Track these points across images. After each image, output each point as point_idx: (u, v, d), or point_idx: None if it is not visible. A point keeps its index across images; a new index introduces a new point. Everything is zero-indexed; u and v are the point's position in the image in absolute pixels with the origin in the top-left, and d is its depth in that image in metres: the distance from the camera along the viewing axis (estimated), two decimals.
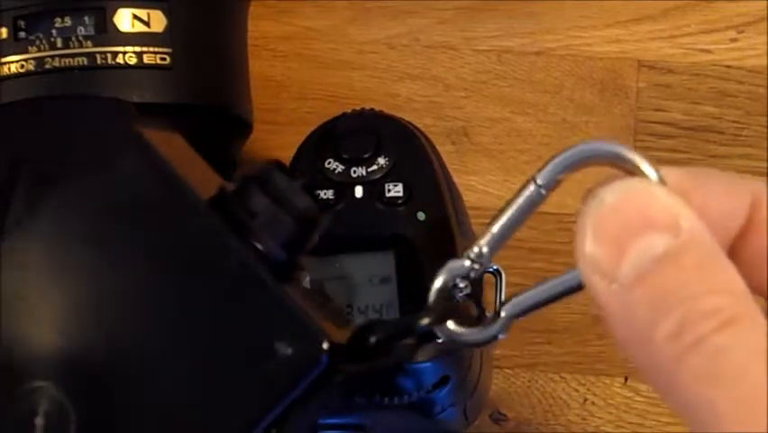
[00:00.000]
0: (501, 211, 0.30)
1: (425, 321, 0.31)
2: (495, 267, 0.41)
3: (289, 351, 0.30)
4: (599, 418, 0.51)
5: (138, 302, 0.31)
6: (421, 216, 0.41)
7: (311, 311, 0.31)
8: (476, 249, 0.30)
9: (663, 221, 0.26)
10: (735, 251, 0.28)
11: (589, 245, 0.26)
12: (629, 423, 0.51)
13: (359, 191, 0.41)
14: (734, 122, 0.53)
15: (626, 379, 0.51)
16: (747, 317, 0.25)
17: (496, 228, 0.30)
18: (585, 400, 0.51)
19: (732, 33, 0.54)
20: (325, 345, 0.30)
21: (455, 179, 0.44)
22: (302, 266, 0.33)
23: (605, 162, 0.28)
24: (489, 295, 0.41)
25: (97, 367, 0.31)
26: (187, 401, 0.31)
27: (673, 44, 0.54)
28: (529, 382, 0.51)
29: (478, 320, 0.39)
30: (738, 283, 0.26)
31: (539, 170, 0.29)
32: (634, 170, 0.28)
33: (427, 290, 0.31)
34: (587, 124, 0.54)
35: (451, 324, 0.31)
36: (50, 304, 0.31)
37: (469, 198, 0.45)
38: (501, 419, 0.51)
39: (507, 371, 0.51)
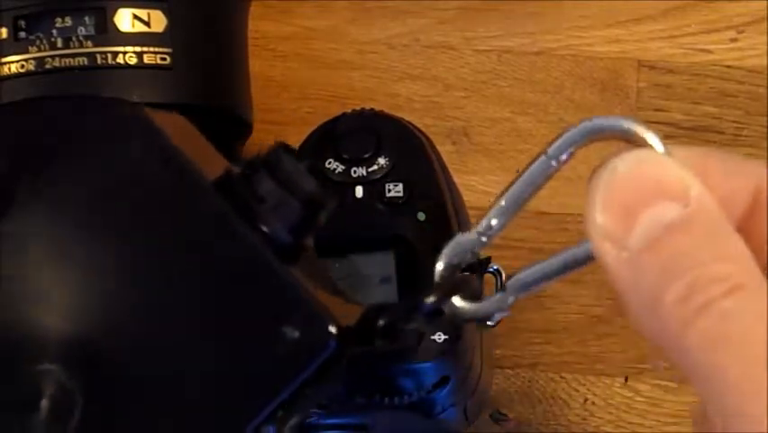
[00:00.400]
0: (511, 183, 0.30)
1: (432, 299, 0.30)
2: (495, 267, 0.41)
3: (297, 334, 0.30)
4: (600, 418, 0.51)
5: (144, 286, 0.31)
6: (421, 216, 0.41)
7: (318, 294, 0.31)
8: (484, 222, 0.30)
9: (674, 190, 0.26)
10: (739, 232, 0.28)
11: (600, 213, 0.27)
12: (629, 423, 0.51)
13: (359, 191, 0.41)
14: (734, 122, 0.53)
15: (626, 379, 0.51)
16: (754, 284, 0.25)
17: (504, 200, 0.30)
18: (585, 400, 0.51)
19: (732, 33, 0.54)
20: (333, 329, 0.30)
21: (455, 179, 0.44)
22: (308, 248, 0.33)
23: (615, 137, 0.28)
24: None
25: (103, 351, 0.31)
26: (194, 385, 0.31)
27: (673, 44, 0.54)
28: (529, 382, 0.51)
29: (481, 324, 0.39)
30: (745, 253, 0.26)
31: (550, 143, 0.29)
32: (643, 145, 0.28)
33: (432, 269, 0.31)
34: None
35: (456, 299, 0.31)
36: (56, 287, 0.31)
37: (469, 197, 0.45)
38: (501, 419, 0.51)
39: (508, 371, 0.51)
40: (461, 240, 0.31)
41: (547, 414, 0.51)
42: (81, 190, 0.32)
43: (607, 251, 0.27)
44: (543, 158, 0.29)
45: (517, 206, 0.30)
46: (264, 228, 0.31)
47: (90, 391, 0.31)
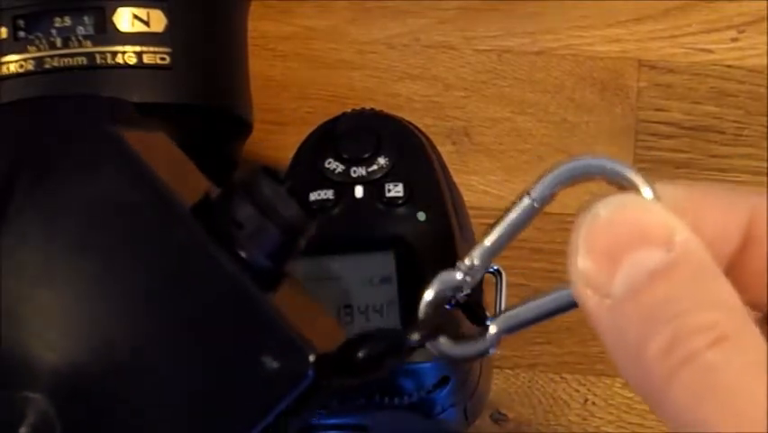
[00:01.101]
0: (495, 224, 0.30)
1: (416, 337, 0.30)
2: (495, 267, 0.41)
3: (275, 365, 0.30)
4: (600, 418, 0.51)
5: (125, 314, 0.31)
6: (421, 215, 0.40)
7: (298, 322, 0.31)
8: (467, 261, 0.30)
9: (658, 236, 0.26)
10: (733, 266, 0.28)
11: (582, 259, 0.26)
12: (630, 423, 0.51)
13: (359, 191, 0.41)
14: (734, 121, 0.53)
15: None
16: (741, 333, 0.25)
17: (489, 241, 0.30)
18: (586, 400, 0.51)
19: (733, 33, 0.54)
20: (311, 359, 0.30)
21: (455, 179, 0.44)
22: (288, 272, 0.33)
23: (599, 178, 0.28)
24: (489, 295, 0.41)
25: (85, 381, 0.31)
26: (174, 415, 0.31)
27: (674, 44, 0.54)
28: (530, 382, 0.51)
29: (479, 319, 0.39)
30: (733, 298, 0.25)
31: (533, 183, 0.29)
32: (629, 186, 0.27)
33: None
34: (587, 124, 0.54)
35: (442, 339, 0.31)
36: (39, 313, 0.31)
37: (469, 197, 0.45)
38: (501, 420, 0.51)
39: (508, 371, 0.51)
40: (445, 278, 0.31)
41: (547, 414, 0.51)
42: (63, 219, 0.31)
43: (588, 297, 0.26)
44: (526, 200, 0.29)
45: (501, 247, 0.30)
46: (243, 254, 0.31)
47: (71, 420, 0.31)
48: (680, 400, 0.24)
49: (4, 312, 0.31)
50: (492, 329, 0.30)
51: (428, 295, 0.31)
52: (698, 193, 0.28)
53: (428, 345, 0.31)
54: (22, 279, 0.31)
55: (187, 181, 0.33)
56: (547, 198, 0.29)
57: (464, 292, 0.31)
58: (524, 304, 0.30)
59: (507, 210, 0.30)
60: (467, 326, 0.40)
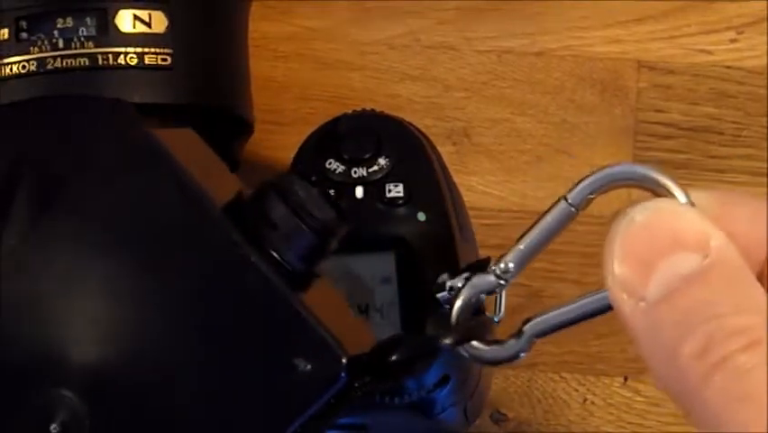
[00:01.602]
0: (530, 228, 0.30)
1: (449, 341, 0.30)
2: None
3: (308, 367, 0.30)
4: (599, 418, 0.51)
5: (157, 314, 0.31)
6: (421, 216, 0.41)
7: (330, 324, 0.31)
8: (502, 264, 0.30)
9: (693, 241, 0.26)
10: (763, 273, 0.28)
11: (618, 264, 0.27)
12: (629, 423, 0.51)
13: (359, 192, 0.41)
14: (734, 122, 0.54)
15: (625, 379, 0.51)
16: None
17: (523, 244, 0.30)
18: (585, 400, 0.51)
19: (732, 34, 0.54)
20: (344, 361, 0.30)
21: (456, 180, 0.44)
22: (319, 273, 0.32)
23: (635, 184, 0.28)
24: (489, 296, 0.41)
25: (116, 380, 0.31)
26: (206, 416, 0.31)
27: (673, 45, 0.54)
28: (529, 381, 0.51)
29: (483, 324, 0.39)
30: (765, 303, 0.25)
31: (570, 189, 0.29)
32: (663, 193, 0.28)
33: (445, 298, 0.31)
34: (587, 125, 0.54)
35: (474, 342, 0.31)
36: (71, 312, 0.31)
37: (469, 198, 0.45)
38: (501, 419, 0.51)
39: (508, 371, 0.51)
40: (478, 282, 0.31)
41: (547, 414, 0.51)
42: (96, 218, 0.31)
43: (624, 301, 0.26)
44: (563, 204, 0.29)
45: (536, 251, 0.30)
46: (276, 255, 0.31)
47: (102, 420, 0.31)
48: (713, 402, 0.25)
49: (37, 310, 0.31)
50: (525, 333, 0.30)
51: (460, 299, 0.31)
52: (730, 200, 0.28)
53: (461, 348, 0.31)
54: (54, 277, 0.31)
55: (218, 180, 0.33)
56: (583, 203, 0.30)
57: (500, 290, 0.31)
58: (557, 308, 0.30)
59: (543, 214, 0.30)
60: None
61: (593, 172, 0.29)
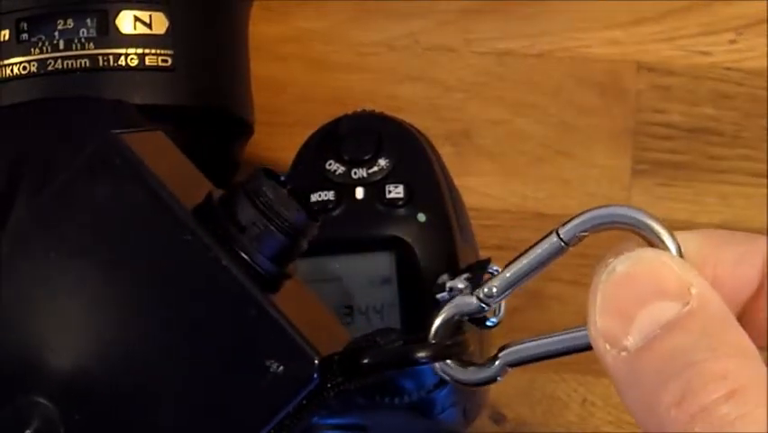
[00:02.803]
0: (519, 256, 0.30)
1: (423, 355, 0.30)
2: (495, 267, 0.41)
3: (280, 369, 0.30)
4: (599, 418, 0.51)
5: (128, 319, 0.31)
6: (421, 217, 0.41)
7: (301, 325, 0.31)
8: (486, 289, 0.30)
9: (674, 289, 0.26)
10: (747, 311, 0.28)
11: (600, 315, 0.27)
12: (629, 423, 0.51)
13: (359, 192, 0.41)
14: (733, 123, 0.54)
15: None
16: (756, 385, 0.25)
17: (510, 273, 0.30)
18: (584, 400, 0.51)
19: (731, 35, 0.54)
20: (316, 362, 0.30)
21: (455, 181, 0.44)
22: (290, 273, 0.32)
23: (626, 228, 0.29)
24: None
25: (89, 385, 0.31)
26: (179, 420, 0.31)
27: (673, 46, 0.54)
28: (529, 382, 0.51)
29: (479, 321, 0.39)
30: (748, 347, 0.25)
31: (563, 224, 0.29)
32: (654, 240, 0.28)
33: (429, 308, 0.31)
34: (587, 126, 0.54)
35: (449, 362, 0.31)
36: (43, 317, 0.31)
37: (469, 199, 0.45)
38: (501, 420, 0.51)
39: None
40: (461, 303, 0.31)
41: (546, 414, 0.51)
42: (65, 223, 0.31)
43: (606, 351, 0.26)
44: (554, 238, 0.30)
45: (521, 280, 0.30)
46: (245, 257, 0.31)
47: (74, 425, 0.31)
48: None
49: (7, 317, 0.31)
50: (499, 360, 0.30)
51: (441, 316, 0.31)
52: (718, 241, 0.28)
53: (436, 365, 0.31)
54: (24, 283, 0.31)
55: (188, 182, 0.33)
56: (575, 240, 0.30)
57: (480, 315, 0.31)
58: (536, 339, 0.30)
59: (534, 245, 0.30)
60: (471, 328, 0.41)
61: (587, 211, 0.29)
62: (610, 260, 0.27)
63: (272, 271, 0.31)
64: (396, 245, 0.40)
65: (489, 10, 0.55)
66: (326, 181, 0.41)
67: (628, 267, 0.27)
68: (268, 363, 0.30)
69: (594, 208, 0.29)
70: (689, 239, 0.28)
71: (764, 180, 0.53)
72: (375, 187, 0.41)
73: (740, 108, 0.54)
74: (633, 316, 0.26)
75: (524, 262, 0.30)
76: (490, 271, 0.41)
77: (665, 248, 0.28)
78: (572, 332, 0.29)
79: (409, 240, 0.40)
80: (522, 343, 0.30)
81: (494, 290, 0.31)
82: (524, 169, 0.53)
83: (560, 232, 0.29)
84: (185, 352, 0.31)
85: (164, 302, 0.31)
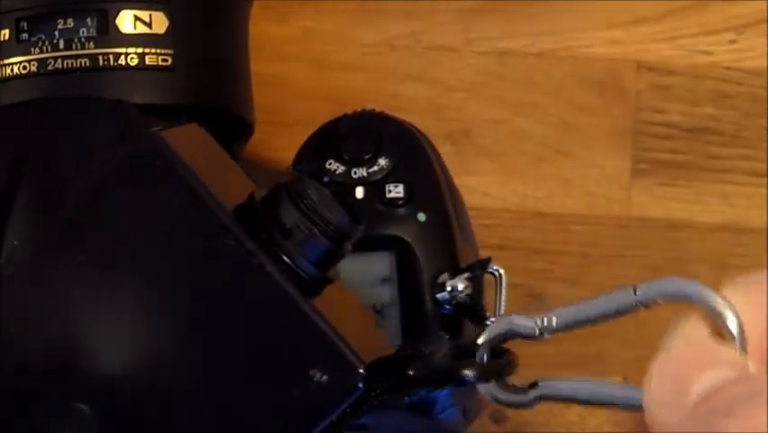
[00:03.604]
0: (592, 299, 0.30)
1: (471, 374, 0.30)
2: (495, 268, 0.41)
3: (325, 378, 0.29)
4: (599, 418, 0.51)
5: (170, 326, 0.30)
6: (421, 216, 0.41)
7: (346, 332, 0.30)
8: (547, 318, 0.30)
9: (729, 362, 0.27)
10: None
11: (655, 384, 0.28)
12: (629, 423, 0.51)
13: (359, 192, 0.41)
14: (733, 123, 0.54)
15: (625, 378, 0.51)
16: None
17: (575, 310, 0.30)
18: None
19: (731, 35, 0.54)
20: (362, 372, 0.30)
21: (455, 180, 0.44)
22: (333, 278, 0.32)
23: (693, 302, 0.29)
24: (489, 296, 0.42)
25: (129, 392, 0.30)
26: (219, 428, 0.30)
27: (673, 46, 0.54)
28: (529, 381, 0.51)
29: (479, 319, 0.39)
30: None
31: (645, 284, 0.29)
32: (720, 324, 0.28)
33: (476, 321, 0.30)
34: (587, 126, 0.54)
35: (492, 382, 0.31)
36: (83, 323, 0.30)
37: (469, 198, 0.45)
38: (502, 419, 0.51)
39: None
40: (515, 321, 0.31)
41: (547, 414, 0.51)
42: (103, 227, 0.30)
43: (658, 414, 0.27)
44: (629, 291, 0.29)
45: (583, 322, 0.30)
46: (289, 262, 0.30)
47: (111, 430, 0.30)
48: None
49: (46, 321, 0.30)
50: (536, 391, 0.30)
51: (490, 332, 0.31)
52: (757, 291, 0.29)
53: (479, 384, 0.31)
54: (62, 288, 0.30)
55: (228, 179, 0.32)
56: (648, 303, 0.29)
57: (533, 339, 0.31)
58: (576, 380, 0.30)
59: (609, 294, 0.29)
60: (469, 327, 0.41)
61: (672, 280, 0.29)
62: (665, 341, 0.28)
63: (316, 277, 0.31)
64: (396, 245, 0.40)
65: (490, 10, 0.55)
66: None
67: (680, 344, 0.27)
68: (312, 372, 0.29)
69: (681, 282, 0.29)
70: (746, 309, 0.28)
71: (765, 180, 0.53)
72: (375, 186, 0.41)
73: (740, 108, 0.54)
74: (690, 381, 0.26)
75: (592, 304, 0.30)
76: (490, 270, 0.41)
77: (729, 334, 0.28)
78: (624, 388, 0.30)
79: (409, 240, 0.40)
80: (563, 379, 0.30)
81: (554, 323, 0.30)
82: (524, 168, 0.53)
83: (637, 289, 0.29)
84: (225, 358, 0.30)
85: (204, 307, 0.30)
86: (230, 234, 0.30)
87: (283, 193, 0.30)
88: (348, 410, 0.30)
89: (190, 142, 0.31)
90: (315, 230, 0.30)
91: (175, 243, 0.30)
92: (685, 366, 0.27)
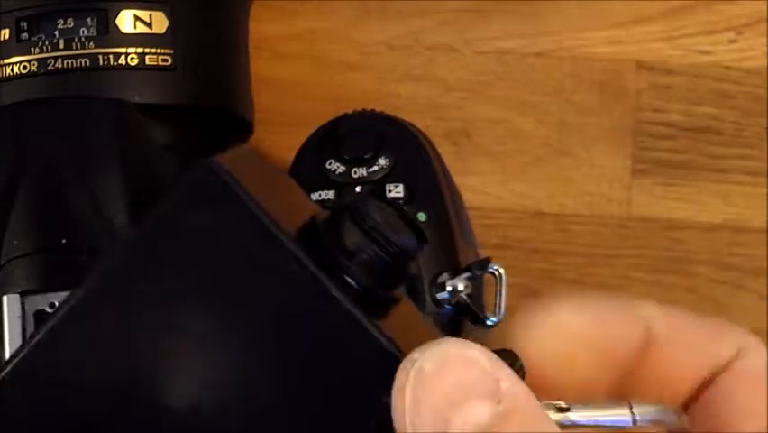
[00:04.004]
0: (589, 402, 0.29)
1: None
2: (495, 267, 0.41)
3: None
4: None
5: (235, 355, 0.29)
6: (421, 216, 0.41)
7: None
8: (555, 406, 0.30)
9: (483, 389, 0.26)
10: (634, 369, 0.29)
11: (412, 417, 0.26)
12: None
13: (360, 192, 0.41)
14: (733, 123, 0.54)
15: None
16: None
17: (576, 414, 0.29)
18: None
19: (731, 35, 0.54)
20: None
21: (455, 180, 0.44)
22: (399, 297, 0.31)
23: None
24: (489, 296, 0.42)
25: (196, 428, 0.29)
26: None
27: (673, 45, 0.54)
28: None
29: (479, 319, 0.39)
30: None
31: (644, 404, 0.29)
32: None
33: None
34: (587, 126, 0.54)
35: None
36: (147, 360, 0.30)
37: (469, 198, 0.45)
38: None
39: None
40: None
41: None
42: (166, 260, 0.29)
43: None
44: (626, 412, 0.29)
45: (576, 424, 0.29)
46: (354, 285, 0.29)
47: None
48: None
49: (104, 361, 0.30)
50: None
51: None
52: (602, 313, 0.29)
53: None
54: (118, 324, 0.30)
55: (288, 202, 0.31)
56: (640, 423, 0.29)
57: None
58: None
59: (605, 404, 0.29)
60: (468, 326, 0.41)
61: (668, 409, 0.29)
62: (416, 355, 0.26)
63: (382, 298, 0.30)
64: None
65: (490, 9, 0.55)
66: (327, 181, 0.41)
67: (435, 366, 0.26)
68: (384, 398, 0.28)
69: (675, 409, 0.29)
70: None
71: (765, 180, 0.53)
72: (375, 186, 0.41)
73: (740, 107, 0.54)
74: (448, 419, 0.26)
75: (589, 411, 0.29)
76: (490, 270, 0.41)
77: None
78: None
79: None
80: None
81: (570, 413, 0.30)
82: (524, 168, 0.53)
83: (634, 408, 0.29)
84: (294, 389, 0.29)
85: (271, 338, 0.29)
86: (293, 258, 0.29)
87: (345, 214, 0.30)
88: None
89: (248, 167, 0.31)
90: (380, 252, 0.29)
91: (237, 272, 0.29)
92: (440, 396, 0.26)
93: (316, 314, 0.29)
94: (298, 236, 0.29)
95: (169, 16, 0.42)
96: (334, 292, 0.28)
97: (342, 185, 0.41)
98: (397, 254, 0.30)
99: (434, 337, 0.32)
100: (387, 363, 0.28)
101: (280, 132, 0.53)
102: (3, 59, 0.41)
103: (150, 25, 0.41)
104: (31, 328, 0.38)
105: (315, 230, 0.30)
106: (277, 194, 0.31)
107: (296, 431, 0.29)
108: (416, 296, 0.40)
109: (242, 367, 0.29)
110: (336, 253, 0.29)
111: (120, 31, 0.41)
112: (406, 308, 0.31)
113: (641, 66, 0.54)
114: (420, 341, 0.29)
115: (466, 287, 0.40)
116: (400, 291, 0.31)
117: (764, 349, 0.29)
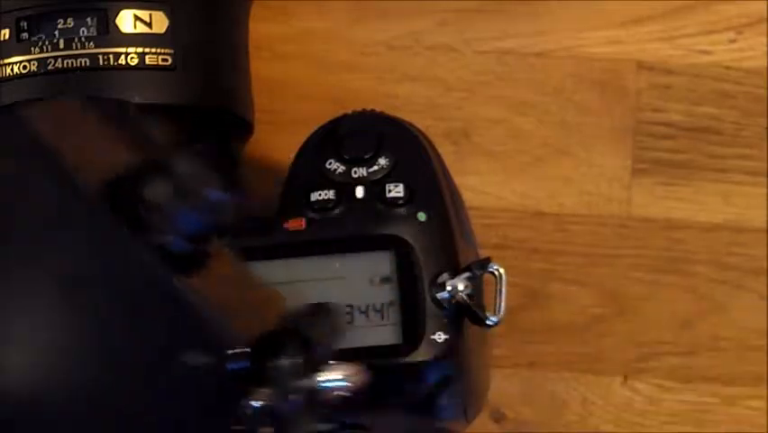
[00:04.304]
0: None
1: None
2: (495, 267, 0.41)
3: (208, 360, 0.28)
4: (599, 417, 0.51)
5: (50, 322, 0.28)
6: (422, 216, 0.41)
7: (228, 307, 0.29)
8: None
9: None
10: None
11: None
12: (628, 422, 0.51)
13: (360, 191, 0.41)
14: (733, 122, 0.54)
15: (625, 378, 0.51)
16: None
17: None
18: (584, 399, 0.51)
19: (731, 35, 0.54)
20: (232, 352, 0.28)
21: (455, 180, 0.44)
22: (212, 252, 0.30)
23: None
24: (489, 296, 0.42)
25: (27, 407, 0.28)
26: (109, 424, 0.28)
27: (673, 45, 0.54)
28: (529, 381, 0.51)
29: (479, 319, 0.39)
30: None
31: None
32: None
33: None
34: (587, 125, 0.54)
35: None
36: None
37: (469, 198, 0.45)
38: (501, 418, 0.51)
39: (507, 370, 0.51)
40: None
41: (546, 414, 0.51)
42: None
43: None
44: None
45: None
46: (159, 238, 0.28)
47: None
48: None
49: None
50: None
51: None
52: None
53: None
54: None
55: (97, 153, 0.30)
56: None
57: None
58: None
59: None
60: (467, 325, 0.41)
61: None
62: None
63: (189, 249, 0.29)
64: (396, 244, 0.40)
65: (489, 9, 0.55)
66: (327, 180, 0.41)
67: None
68: (185, 355, 0.28)
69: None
70: None
71: (764, 180, 0.53)
72: (375, 186, 0.41)
73: (740, 107, 0.54)
74: None
75: None
76: (490, 270, 0.41)
77: None
78: None
79: (409, 239, 0.40)
80: None
81: None
82: (524, 168, 0.53)
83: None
84: (109, 350, 0.28)
85: (77, 293, 0.28)
86: (95, 212, 0.28)
87: (150, 167, 0.29)
88: (221, 397, 0.29)
89: (65, 118, 0.30)
90: (185, 203, 0.28)
91: (39, 226, 0.28)
92: None
93: (119, 270, 0.28)
94: (105, 189, 0.28)
95: (169, 16, 0.42)
96: (135, 245, 0.28)
97: (342, 185, 0.41)
98: (205, 206, 0.29)
99: (252, 290, 0.31)
100: (192, 317, 0.28)
101: (280, 131, 0.53)
102: (3, 59, 0.41)
103: (150, 25, 0.41)
104: None
105: (121, 185, 0.29)
106: (95, 150, 0.30)
107: (124, 398, 0.29)
108: (416, 296, 0.40)
109: (46, 330, 0.28)
110: (141, 207, 0.28)
111: (120, 30, 0.41)
112: (225, 262, 0.30)
113: (641, 66, 0.54)
114: (233, 293, 0.29)
115: (466, 287, 0.40)
116: (221, 244, 0.30)
117: None
